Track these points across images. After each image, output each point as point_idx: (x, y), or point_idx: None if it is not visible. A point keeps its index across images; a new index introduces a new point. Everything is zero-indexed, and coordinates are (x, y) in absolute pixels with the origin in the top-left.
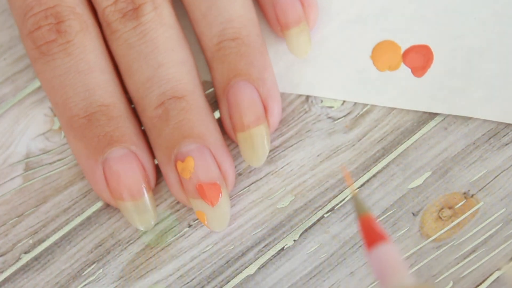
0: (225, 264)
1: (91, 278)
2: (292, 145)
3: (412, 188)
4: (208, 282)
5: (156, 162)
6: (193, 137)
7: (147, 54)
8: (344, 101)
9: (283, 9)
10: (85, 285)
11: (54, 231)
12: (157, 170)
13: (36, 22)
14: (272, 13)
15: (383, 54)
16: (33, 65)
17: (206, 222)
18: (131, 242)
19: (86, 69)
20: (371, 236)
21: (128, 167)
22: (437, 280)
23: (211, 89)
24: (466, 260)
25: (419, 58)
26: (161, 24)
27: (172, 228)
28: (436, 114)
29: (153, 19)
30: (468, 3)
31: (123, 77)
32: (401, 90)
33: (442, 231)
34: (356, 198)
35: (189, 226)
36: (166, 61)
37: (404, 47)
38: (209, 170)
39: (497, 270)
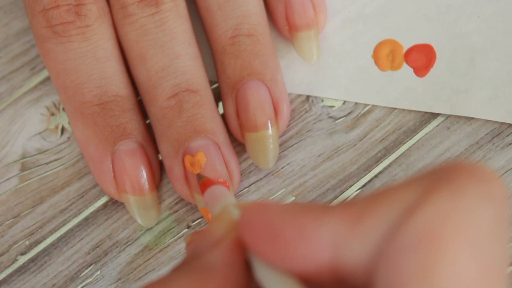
0: None
1: (88, 280)
2: (292, 145)
3: None
4: None
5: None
6: (205, 133)
7: (165, 43)
8: (345, 101)
9: (296, 10)
10: (83, 287)
11: (51, 232)
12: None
13: (54, 1)
14: (281, 11)
15: (385, 53)
16: (39, 44)
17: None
18: (129, 243)
19: (103, 57)
20: None
21: (137, 161)
22: None
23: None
24: None
25: (421, 58)
26: (179, 15)
27: (170, 229)
28: (438, 114)
29: (172, 9)
30: (471, 1)
31: (133, 63)
32: (403, 90)
33: None
34: None
35: (188, 227)
36: (183, 53)
37: (406, 46)
38: (219, 167)
39: None
